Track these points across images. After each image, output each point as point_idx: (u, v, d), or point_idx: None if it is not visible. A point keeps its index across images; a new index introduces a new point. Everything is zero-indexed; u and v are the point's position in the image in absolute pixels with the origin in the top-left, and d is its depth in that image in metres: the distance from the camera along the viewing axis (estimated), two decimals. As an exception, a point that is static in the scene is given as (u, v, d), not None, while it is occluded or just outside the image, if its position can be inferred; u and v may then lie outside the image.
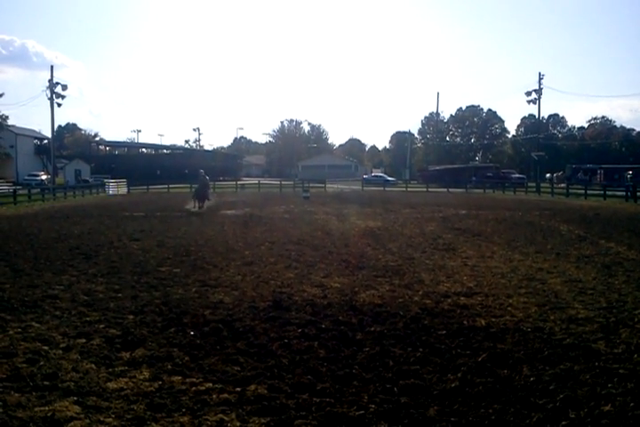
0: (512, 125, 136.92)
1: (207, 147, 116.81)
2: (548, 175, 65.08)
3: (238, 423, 3.92)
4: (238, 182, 59.64)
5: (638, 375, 4.81)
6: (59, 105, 51.72)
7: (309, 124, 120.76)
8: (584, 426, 3.91)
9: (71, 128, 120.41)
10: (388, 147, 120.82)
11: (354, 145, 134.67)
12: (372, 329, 6.15)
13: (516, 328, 6.27)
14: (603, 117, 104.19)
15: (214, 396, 4.38)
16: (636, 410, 4.12)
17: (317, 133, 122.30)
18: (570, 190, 40.98)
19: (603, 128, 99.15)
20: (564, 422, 3.93)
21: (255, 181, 64.62)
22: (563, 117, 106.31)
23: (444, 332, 6.07)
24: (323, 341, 5.69)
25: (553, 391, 4.48)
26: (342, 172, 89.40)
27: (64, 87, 51.84)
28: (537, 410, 4.15)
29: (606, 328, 6.31)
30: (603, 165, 64.98)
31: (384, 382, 4.65)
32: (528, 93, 53.74)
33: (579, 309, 7.22)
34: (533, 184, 50.02)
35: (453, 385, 4.56)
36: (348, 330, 6.05)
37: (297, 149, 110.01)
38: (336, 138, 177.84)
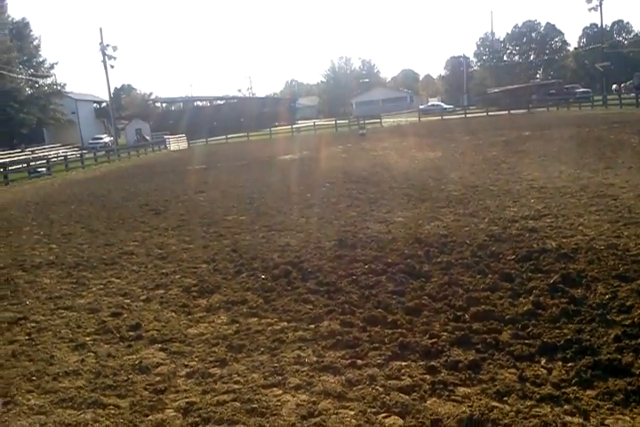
0: (573, 38, 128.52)
1: (259, 94, 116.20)
2: (614, 86, 61.31)
3: (315, 358, 4.06)
4: (293, 126, 59.34)
5: None
6: (112, 66, 52.44)
7: (360, 59, 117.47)
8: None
9: (127, 89, 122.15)
10: (443, 74, 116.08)
11: (407, 75, 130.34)
12: (439, 260, 6.13)
13: (588, 247, 6.09)
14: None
15: (290, 334, 4.54)
16: None
17: (369, 68, 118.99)
18: (639, 100, 38.53)
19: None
20: (642, 338, 3.85)
21: (310, 123, 64.09)
22: (628, 23, 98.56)
23: (514, 257, 5.98)
24: (390, 275, 5.73)
25: (630, 307, 4.37)
26: (397, 104, 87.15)
27: (114, 48, 52.32)
28: (614, 327, 4.08)
29: (686, 240, 6.04)
30: (678, 69, 60.41)
31: (454, 310, 4.67)
32: (588, 1, 49.92)
33: (656, 222, 6.93)
34: (600, 97, 47.28)
35: (525, 309, 4.53)
36: (414, 263, 6.06)
37: (349, 85, 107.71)
38: (388, 71, 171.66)
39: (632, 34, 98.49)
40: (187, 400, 3.58)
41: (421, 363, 3.83)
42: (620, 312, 4.34)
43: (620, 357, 3.59)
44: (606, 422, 3.00)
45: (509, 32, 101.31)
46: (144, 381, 3.92)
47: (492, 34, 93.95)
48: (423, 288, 5.28)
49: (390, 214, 9.12)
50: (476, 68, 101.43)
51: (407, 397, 3.39)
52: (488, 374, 3.58)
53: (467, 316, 4.51)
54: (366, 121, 48.30)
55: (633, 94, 43.21)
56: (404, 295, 5.12)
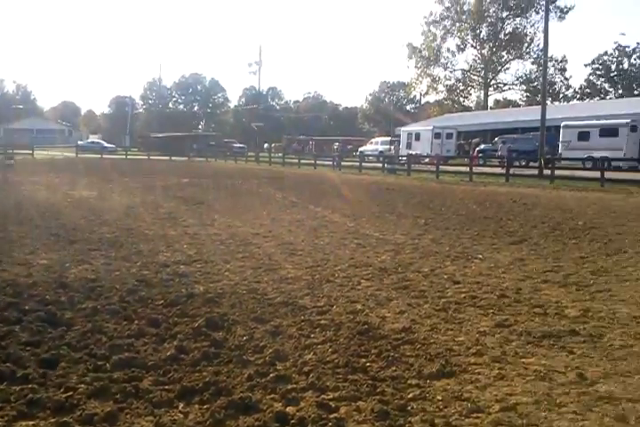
0: (235, 96, 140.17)
1: None
2: (265, 145, 68.77)
3: None
4: None
5: (336, 324, 5.41)
6: None
7: (15, 82, 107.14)
8: (289, 375, 4.26)
9: None
10: (106, 112, 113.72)
11: (68, 108, 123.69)
12: (85, 306, 5.78)
13: (232, 291, 6.51)
14: (315, 92, 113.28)
15: None
16: (332, 355, 4.63)
17: (24, 94, 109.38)
18: (285, 160, 43.91)
19: (315, 102, 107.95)
20: (272, 375, 4.23)
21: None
22: (280, 91, 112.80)
23: (162, 302, 6.00)
24: (26, 324, 5.15)
25: (263, 347, 4.78)
26: (54, 137, 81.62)
27: None
28: (249, 366, 4.39)
29: (312, 285, 6.95)
30: (314, 137, 70.96)
31: (95, 359, 4.42)
32: (249, 65, 55.60)
33: (289, 269, 7.82)
34: (253, 153, 52.30)
35: (169, 354, 4.55)
36: (56, 309, 5.58)
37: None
38: (47, 100, 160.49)
39: (283, 100, 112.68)
40: None
41: (52, 420, 3.49)
42: (254, 352, 4.70)
43: (251, 395, 3.86)
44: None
45: (177, 81, 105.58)
46: None
47: (160, 80, 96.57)
48: (63, 337, 4.88)
49: (33, 256, 8.31)
50: (141, 110, 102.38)
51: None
52: (124, 425, 3.46)
53: (108, 365, 4.31)
54: (16, 151, 43.87)
55: (280, 154, 48.95)
56: (39, 346, 4.65)
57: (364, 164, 36.62)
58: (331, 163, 39.01)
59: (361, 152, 48.82)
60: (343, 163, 37.64)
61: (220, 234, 10.70)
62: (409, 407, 3.75)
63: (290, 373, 4.31)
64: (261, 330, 5.21)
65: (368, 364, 4.50)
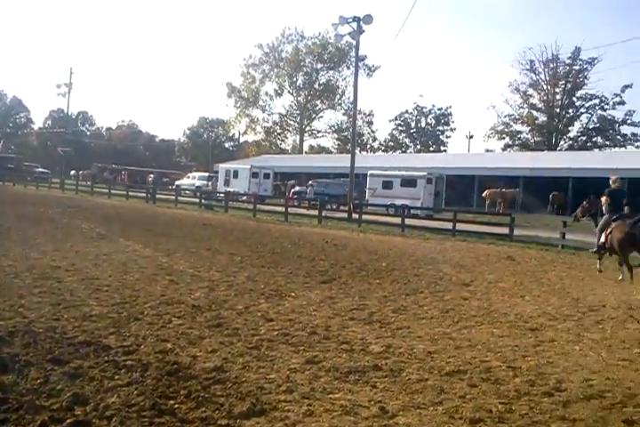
0: (40, 117, 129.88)
1: None
2: (72, 172, 64.46)
3: None
4: None
5: (143, 365, 5.14)
6: None
7: None
8: (89, 420, 3.93)
9: None
10: None
11: None
12: None
13: (26, 330, 5.90)
14: (130, 121, 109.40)
15: None
16: (138, 397, 4.37)
17: None
18: (95, 189, 41.44)
19: (130, 131, 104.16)
20: (69, 420, 3.87)
21: None
22: (92, 116, 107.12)
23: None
24: None
25: (60, 391, 4.37)
26: None
27: None
28: (42, 412, 3.97)
29: (118, 323, 6.55)
30: (128, 167, 68.15)
31: None
32: (58, 86, 52.20)
33: (93, 306, 7.29)
34: (58, 180, 48.64)
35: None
36: None
37: None
38: None
39: (94, 126, 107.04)
40: None
41: None
42: (49, 396, 4.27)
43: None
44: None
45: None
46: None
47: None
48: None
49: None
50: None
51: None
52: None
53: None
54: None
55: (89, 182, 46.09)
56: None
57: (180, 198, 35.94)
58: (144, 195, 37.64)
59: (177, 186, 47.87)
60: (158, 196, 36.54)
61: (14, 266, 9.68)
62: (218, 449, 3.66)
63: (90, 417, 3.99)
64: (59, 372, 4.77)
65: (176, 405, 4.33)
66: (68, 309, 7.02)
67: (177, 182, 52.29)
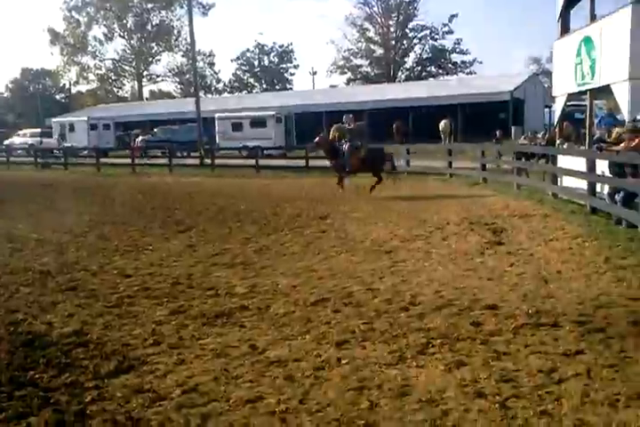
0: None
1: None
2: None
3: None
4: None
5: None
6: None
7: None
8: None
9: None
10: None
11: None
12: None
13: None
14: None
15: None
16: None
17: None
18: None
19: None
20: None
21: None
22: None
23: None
24: None
25: None
26: None
27: None
28: None
29: (-44, 300, 5.98)
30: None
31: None
32: None
33: None
34: None
35: None
36: None
37: None
38: None
39: None
40: None
41: None
42: None
43: None
44: None
45: None
46: None
47: None
48: None
49: None
50: None
51: None
52: None
53: None
54: None
55: None
56: None
57: (11, 158, 32.83)
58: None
59: (7, 145, 43.49)
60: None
61: None
62: (88, 411, 3.55)
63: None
64: None
65: (37, 375, 4.10)
66: None
67: (6, 142, 47.52)
